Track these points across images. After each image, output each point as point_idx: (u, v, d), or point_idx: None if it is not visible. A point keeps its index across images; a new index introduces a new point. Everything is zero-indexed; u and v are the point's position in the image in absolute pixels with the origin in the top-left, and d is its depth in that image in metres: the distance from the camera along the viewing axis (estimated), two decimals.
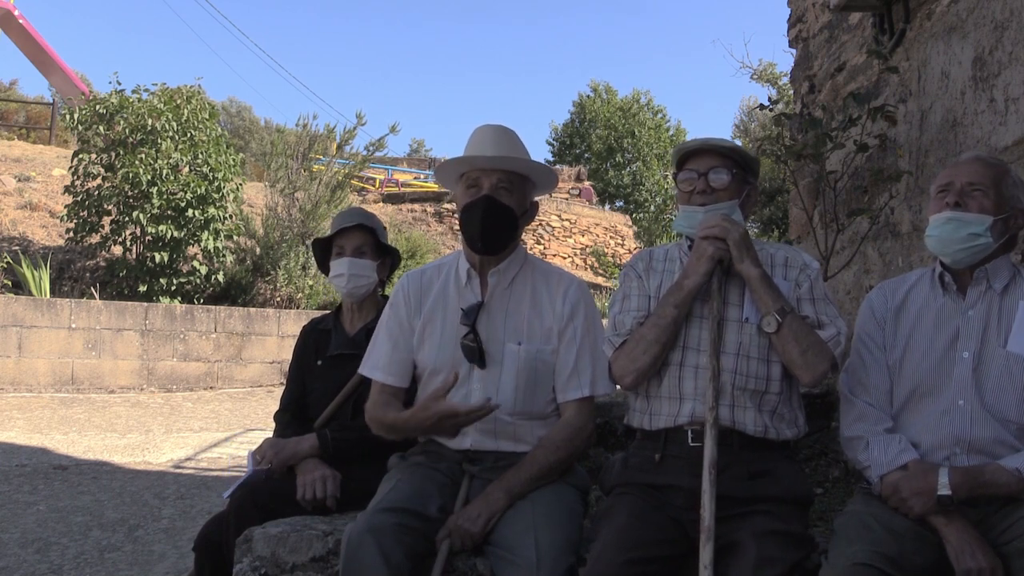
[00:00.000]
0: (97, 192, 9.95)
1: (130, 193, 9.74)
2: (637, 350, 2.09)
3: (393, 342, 2.27)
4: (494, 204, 2.18)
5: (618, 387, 2.25)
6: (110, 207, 9.95)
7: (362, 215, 2.74)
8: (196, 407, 7.93)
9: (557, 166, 25.01)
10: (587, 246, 18.35)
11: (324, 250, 2.77)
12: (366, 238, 2.69)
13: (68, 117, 10.46)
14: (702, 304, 2.10)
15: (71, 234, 10.07)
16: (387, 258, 2.78)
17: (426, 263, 2.56)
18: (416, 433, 2.21)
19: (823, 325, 2.05)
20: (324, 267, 2.78)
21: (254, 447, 2.58)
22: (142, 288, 9.78)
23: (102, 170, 10.03)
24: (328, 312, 2.87)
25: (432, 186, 18.47)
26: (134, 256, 10.02)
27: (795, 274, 2.12)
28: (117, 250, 10.14)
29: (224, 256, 10.34)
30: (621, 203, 29.02)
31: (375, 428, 2.26)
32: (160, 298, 9.70)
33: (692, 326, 2.10)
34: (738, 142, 2.31)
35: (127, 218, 9.76)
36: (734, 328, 2.07)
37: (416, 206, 18.06)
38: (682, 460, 2.04)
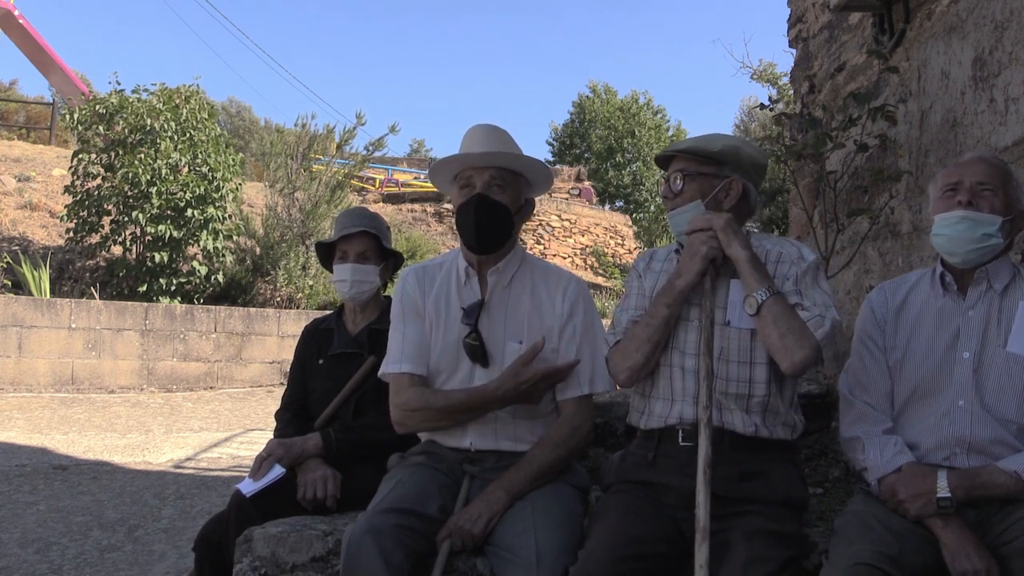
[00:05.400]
0: (97, 192, 9.95)
1: (130, 193, 9.74)
2: (630, 348, 2.10)
3: (417, 330, 2.24)
4: (487, 202, 2.18)
5: (617, 386, 2.25)
6: (110, 207, 9.95)
7: (366, 219, 2.74)
8: (196, 407, 7.93)
9: (557, 166, 25.00)
10: (587, 246, 18.36)
11: (327, 252, 2.77)
12: (369, 243, 2.69)
13: (68, 117, 10.46)
14: (689, 306, 2.10)
15: (71, 234, 10.07)
16: (390, 260, 2.78)
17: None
18: (491, 407, 2.14)
19: (805, 308, 2.01)
20: (328, 266, 2.78)
21: (255, 447, 2.57)
22: (142, 288, 9.78)
23: (102, 170, 10.03)
24: (330, 312, 2.88)
25: (432, 186, 18.46)
26: (134, 256, 10.02)
27: (786, 268, 2.09)
28: (117, 250, 10.14)
29: (224, 256, 10.34)
30: (621, 203, 29.03)
31: (413, 423, 2.20)
32: (160, 298, 9.69)
33: (679, 328, 2.10)
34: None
35: (127, 218, 9.76)
36: (716, 332, 2.06)
37: (416, 206, 18.06)
38: (673, 460, 2.04)
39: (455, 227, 2.25)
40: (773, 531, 1.87)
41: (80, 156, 10.18)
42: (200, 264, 10.10)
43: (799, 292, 2.04)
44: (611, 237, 19.27)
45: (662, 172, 2.31)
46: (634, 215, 23.05)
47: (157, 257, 9.73)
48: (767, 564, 1.78)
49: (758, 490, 1.98)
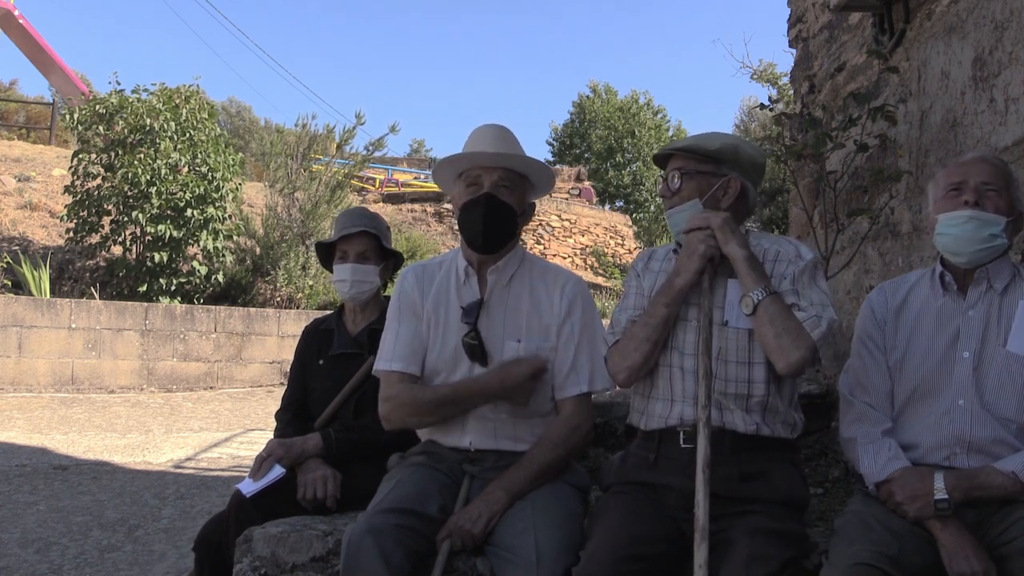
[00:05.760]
0: (97, 192, 9.95)
1: (129, 193, 9.74)
2: (629, 347, 2.09)
3: (412, 329, 2.24)
4: (495, 202, 2.18)
5: (617, 387, 2.25)
6: (110, 207, 9.95)
7: (366, 219, 2.74)
8: (196, 407, 7.93)
9: (557, 166, 25.00)
10: (587, 246, 18.36)
11: (327, 252, 2.77)
12: (370, 243, 2.69)
13: (68, 117, 10.46)
14: (687, 306, 2.09)
15: (71, 234, 10.07)
16: (390, 261, 2.78)
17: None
18: (477, 402, 2.15)
19: (801, 308, 2.00)
20: (328, 266, 2.79)
21: (255, 447, 2.57)
22: (142, 288, 9.78)
23: (102, 170, 10.03)
24: (330, 312, 2.88)
25: (432, 186, 18.46)
26: (134, 256, 10.02)
27: (783, 267, 2.08)
28: (117, 250, 10.14)
29: (224, 256, 10.34)
30: (621, 203, 29.04)
31: (399, 418, 2.19)
32: (160, 298, 9.69)
33: (678, 328, 2.09)
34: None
35: (127, 218, 9.76)
36: (714, 332, 2.05)
37: (416, 206, 18.06)
38: (674, 461, 2.03)
39: (457, 225, 2.25)
40: (774, 530, 1.87)
41: (80, 156, 10.18)
42: (200, 264, 10.10)
43: (796, 292, 2.03)
44: (611, 237, 19.27)
45: (661, 172, 2.29)
46: (634, 215, 23.06)
47: (157, 257, 9.73)
48: (768, 563, 1.78)
49: (759, 490, 1.97)
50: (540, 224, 17.58)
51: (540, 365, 2.15)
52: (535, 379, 2.14)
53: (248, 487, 2.35)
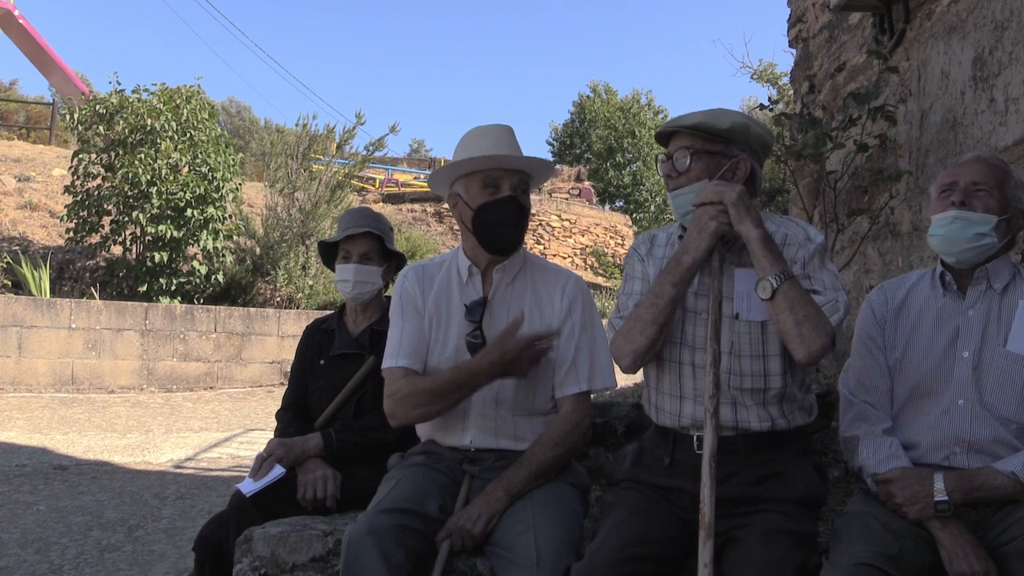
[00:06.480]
0: (97, 192, 9.96)
1: (130, 193, 9.75)
2: (634, 331, 1.99)
3: (417, 328, 2.22)
4: (519, 206, 2.18)
5: (618, 384, 2.24)
6: (110, 207, 9.95)
7: (371, 220, 2.73)
8: (196, 407, 7.93)
9: (557, 166, 25.01)
10: (587, 246, 18.37)
11: (330, 252, 2.77)
12: (373, 244, 2.69)
13: (68, 117, 10.45)
14: (697, 299, 2.01)
15: (71, 234, 10.07)
16: (392, 262, 2.78)
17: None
18: (479, 381, 2.09)
19: (818, 292, 1.93)
20: (330, 265, 2.79)
21: (255, 447, 2.57)
22: (142, 288, 9.78)
23: (102, 170, 10.03)
24: (331, 312, 2.88)
25: None
26: (134, 256, 10.02)
27: (793, 251, 1.99)
28: (117, 250, 10.14)
29: (224, 256, 10.34)
30: (621, 203, 29.05)
31: (404, 411, 2.15)
32: (160, 298, 9.69)
33: (687, 322, 2.02)
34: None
35: (127, 218, 9.77)
36: (725, 325, 1.97)
37: (416, 206, 18.07)
38: (688, 466, 2.00)
39: (473, 225, 2.19)
40: (789, 531, 1.82)
41: (80, 156, 10.18)
42: (200, 264, 10.10)
43: (808, 276, 1.96)
44: (611, 237, 19.28)
45: (664, 150, 2.15)
46: (634, 215, 23.11)
47: (157, 257, 9.73)
48: (784, 568, 1.74)
49: (775, 488, 1.93)
50: (540, 224, 17.58)
51: (533, 332, 2.08)
52: (532, 347, 2.07)
53: (248, 487, 2.35)
